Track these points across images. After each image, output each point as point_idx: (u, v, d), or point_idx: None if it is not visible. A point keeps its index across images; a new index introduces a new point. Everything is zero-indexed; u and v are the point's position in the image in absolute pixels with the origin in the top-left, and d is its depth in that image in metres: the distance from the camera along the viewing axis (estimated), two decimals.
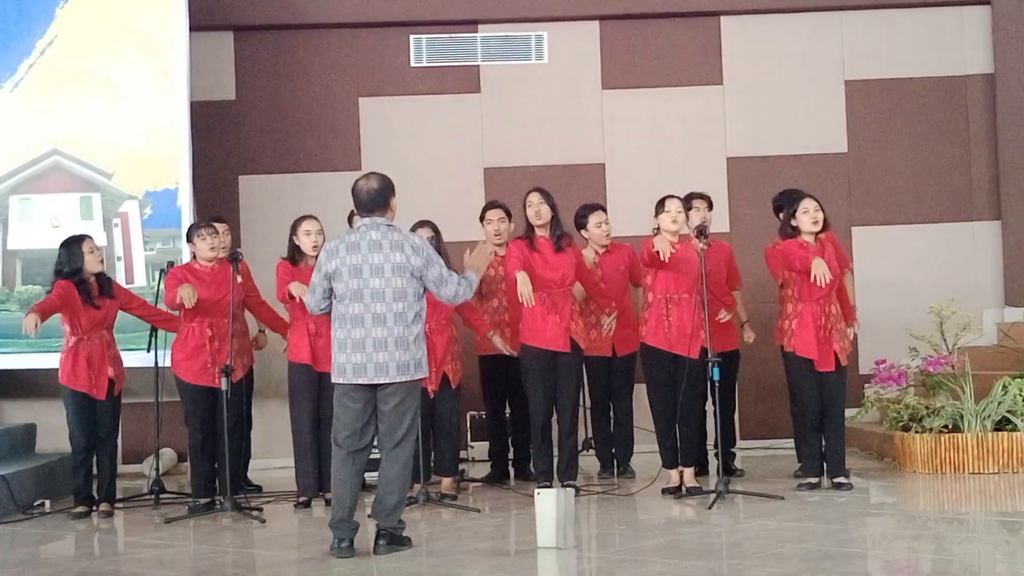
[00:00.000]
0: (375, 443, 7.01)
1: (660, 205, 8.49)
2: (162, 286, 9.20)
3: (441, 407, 8.73)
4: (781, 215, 9.15)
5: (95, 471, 8.74)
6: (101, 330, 8.66)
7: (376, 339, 6.81)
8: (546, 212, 8.77)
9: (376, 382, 6.83)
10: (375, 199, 6.98)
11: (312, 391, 8.65)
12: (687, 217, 8.57)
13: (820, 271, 8.17)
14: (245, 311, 9.04)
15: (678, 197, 8.57)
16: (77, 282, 8.59)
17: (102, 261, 8.73)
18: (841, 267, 8.60)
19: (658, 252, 8.13)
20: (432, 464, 8.82)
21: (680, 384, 8.31)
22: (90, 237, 8.79)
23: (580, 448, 9.80)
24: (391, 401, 6.85)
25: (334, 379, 6.94)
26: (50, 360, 8.93)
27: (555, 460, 8.74)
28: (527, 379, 8.73)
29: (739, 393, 9.65)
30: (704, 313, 8.22)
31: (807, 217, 8.48)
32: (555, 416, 8.79)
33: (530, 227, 8.79)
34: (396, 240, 6.91)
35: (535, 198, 8.81)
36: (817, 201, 8.54)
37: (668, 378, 8.41)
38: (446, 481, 8.80)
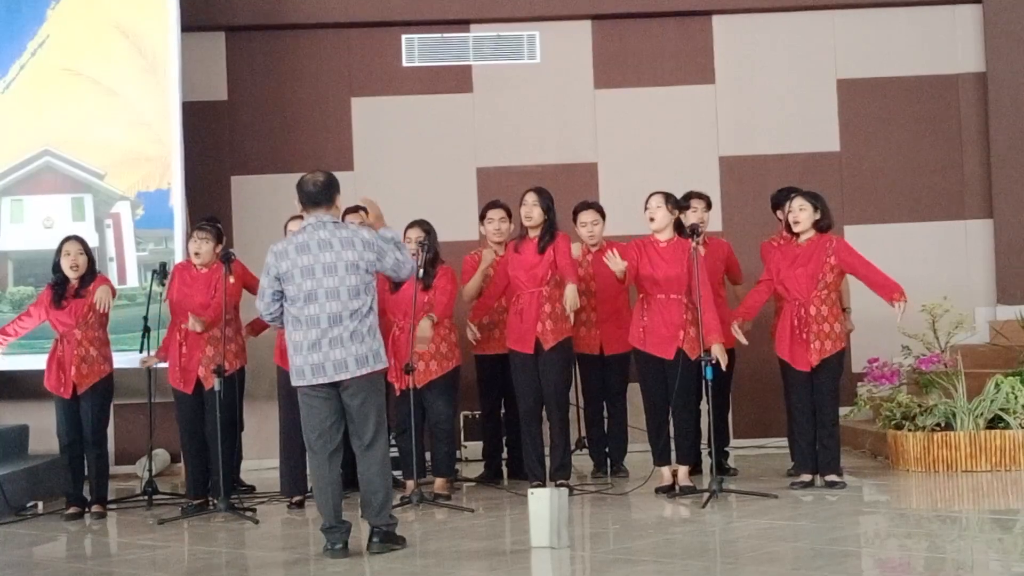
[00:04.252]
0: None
1: (645, 203, 8.53)
2: (155, 286, 9.19)
3: (433, 409, 8.70)
4: (778, 213, 9.19)
5: (86, 472, 8.73)
6: (73, 330, 8.63)
7: (332, 338, 6.75)
8: (538, 215, 8.75)
9: (336, 379, 6.80)
10: (321, 192, 6.93)
11: (292, 392, 8.61)
12: (668, 213, 8.47)
13: (719, 354, 8.18)
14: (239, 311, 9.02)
15: (662, 193, 8.55)
16: (55, 282, 8.68)
17: (75, 267, 8.65)
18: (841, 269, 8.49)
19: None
20: (427, 464, 8.85)
21: (671, 383, 8.31)
22: (74, 239, 8.77)
23: (573, 447, 9.83)
24: (355, 399, 6.82)
25: (294, 382, 6.88)
26: (42, 361, 8.92)
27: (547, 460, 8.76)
28: (513, 378, 8.84)
29: (733, 392, 9.64)
30: (696, 313, 8.22)
31: (790, 216, 8.55)
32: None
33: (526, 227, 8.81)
34: (346, 237, 6.87)
35: (530, 198, 8.80)
36: (807, 199, 8.51)
37: (655, 377, 8.43)
38: (439, 481, 8.78)
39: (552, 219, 8.78)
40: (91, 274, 8.74)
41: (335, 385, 6.82)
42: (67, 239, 8.78)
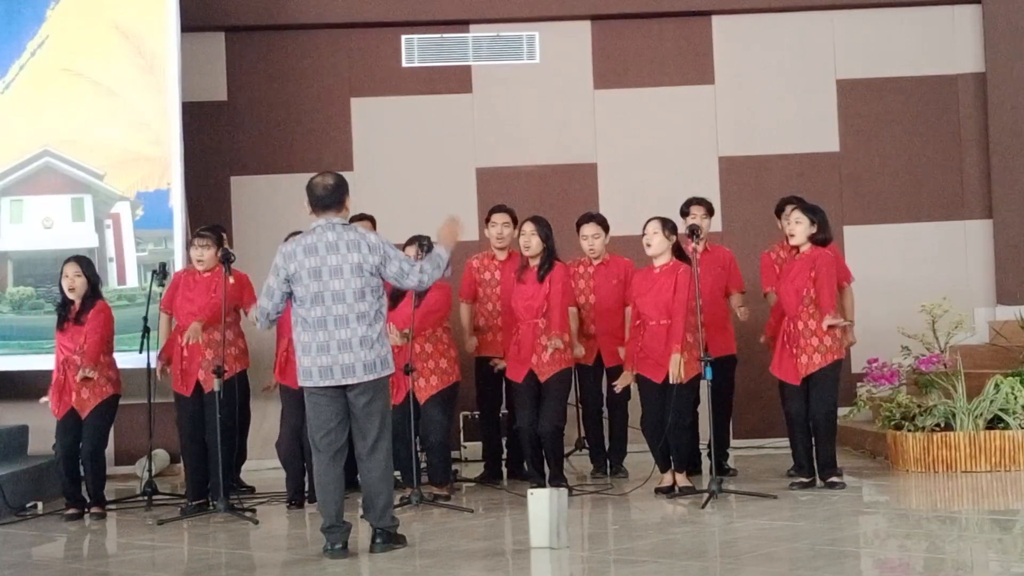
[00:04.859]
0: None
1: (643, 228, 8.53)
2: (155, 287, 9.19)
3: (427, 419, 8.62)
4: (781, 221, 9.18)
5: (82, 473, 8.71)
6: (73, 355, 8.56)
7: (340, 341, 6.78)
8: (536, 244, 8.73)
9: (344, 383, 6.82)
10: (331, 195, 6.93)
11: (293, 407, 8.63)
12: (664, 239, 8.42)
13: (673, 370, 8.21)
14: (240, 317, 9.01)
15: (659, 219, 8.52)
16: (60, 303, 8.68)
17: (72, 290, 8.58)
18: (825, 283, 8.37)
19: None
20: (424, 471, 8.84)
21: (668, 401, 8.32)
22: (72, 261, 8.68)
23: (573, 448, 9.84)
24: (360, 401, 6.84)
25: (301, 382, 6.92)
26: (42, 362, 8.92)
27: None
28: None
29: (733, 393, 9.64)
30: (689, 336, 8.26)
31: (786, 228, 8.63)
32: None
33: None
34: (352, 240, 6.87)
35: (528, 228, 8.79)
36: (804, 212, 8.47)
37: (652, 397, 8.45)
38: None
39: (551, 247, 8.75)
40: (92, 298, 8.65)
41: (342, 387, 6.84)
42: (67, 261, 8.71)
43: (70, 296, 8.62)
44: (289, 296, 6.91)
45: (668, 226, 8.51)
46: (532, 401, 8.64)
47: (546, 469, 8.71)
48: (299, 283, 6.83)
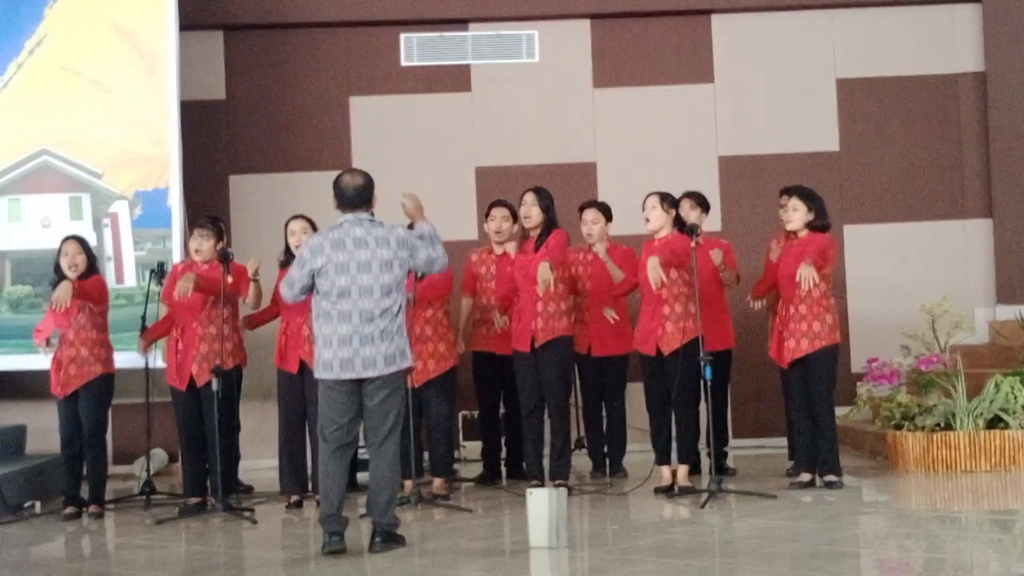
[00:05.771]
0: (361, 440, 7.02)
1: (643, 203, 8.54)
2: (153, 286, 9.18)
3: (431, 409, 8.68)
4: None
5: (84, 472, 8.70)
6: (67, 330, 8.60)
7: (363, 335, 6.80)
8: (536, 214, 8.73)
9: (364, 376, 6.83)
10: (360, 195, 6.98)
11: (292, 392, 8.64)
12: (663, 213, 8.42)
13: (651, 273, 8.14)
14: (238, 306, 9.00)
15: (658, 193, 8.52)
16: (55, 282, 8.62)
17: (73, 267, 8.56)
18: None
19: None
20: (425, 464, 8.86)
21: (669, 380, 8.31)
22: (73, 239, 8.70)
23: (572, 447, 9.82)
24: (377, 396, 6.85)
25: (319, 375, 6.92)
26: (40, 361, 8.90)
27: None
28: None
29: (731, 392, 9.63)
30: (675, 308, 8.28)
31: (783, 215, 8.65)
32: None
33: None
34: (381, 235, 6.91)
35: (528, 198, 8.79)
36: (802, 199, 8.46)
37: (651, 374, 8.45)
38: (438, 481, 8.78)
39: (551, 217, 8.75)
40: (90, 274, 8.68)
41: (358, 382, 6.84)
42: (66, 239, 8.73)
43: (69, 274, 8.60)
44: (310, 289, 6.93)
45: (667, 200, 8.50)
46: (535, 382, 8.61)
47: (546, 465, 8.71)
48: (325, 277, 6.85)
